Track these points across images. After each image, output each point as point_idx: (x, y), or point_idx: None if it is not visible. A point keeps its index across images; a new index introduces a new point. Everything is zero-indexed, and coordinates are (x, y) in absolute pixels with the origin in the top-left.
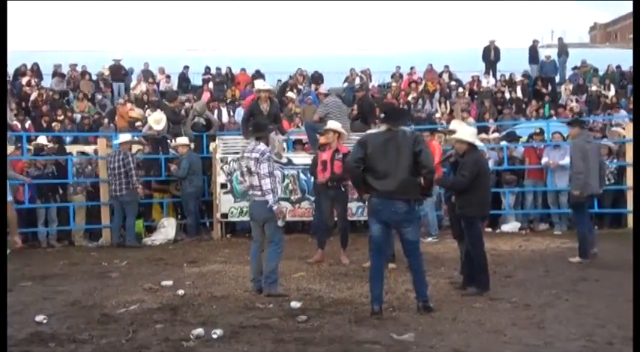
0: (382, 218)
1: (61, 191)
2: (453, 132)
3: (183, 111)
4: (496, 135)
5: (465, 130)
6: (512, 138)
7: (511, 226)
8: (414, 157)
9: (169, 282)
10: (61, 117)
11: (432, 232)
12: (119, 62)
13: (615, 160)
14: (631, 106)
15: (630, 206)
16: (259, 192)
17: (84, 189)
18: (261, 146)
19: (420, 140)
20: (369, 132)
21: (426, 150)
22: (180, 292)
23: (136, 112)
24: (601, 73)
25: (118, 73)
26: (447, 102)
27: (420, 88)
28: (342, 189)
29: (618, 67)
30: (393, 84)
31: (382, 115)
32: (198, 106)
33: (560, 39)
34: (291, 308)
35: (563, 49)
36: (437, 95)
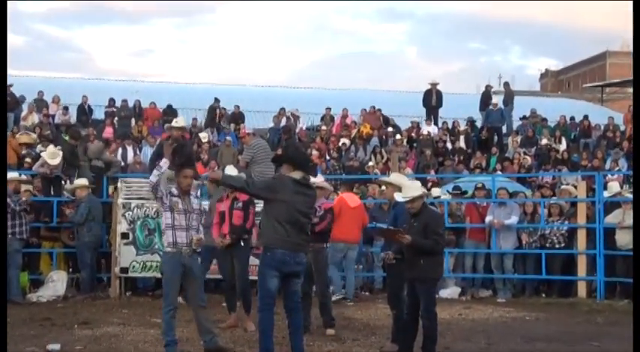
0: (285, 270)
1: None
2: (391, 184)
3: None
4: (438, 190)
5: (411, 185)
6: (459, 192)
7: (450, 292)
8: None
9: (56, 346)
10: None
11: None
12: (9, 89)
13: (566, 222)
14: (583, 162)
15: (582, 273)
16: None
17: None
18: None
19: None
20: (286, 174)
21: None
22: None
23: (27, 137)
24: (551, 123)
25: (8, 101)
26: (383, 151)
27: (354, 132)
28: (242, 243)
29: (572, 118)
30: (323, 127)
31: (293, 161)
32: (93, 148)
33: (506, 84)
34: None
35: (510, 97)
36: (373, 141)
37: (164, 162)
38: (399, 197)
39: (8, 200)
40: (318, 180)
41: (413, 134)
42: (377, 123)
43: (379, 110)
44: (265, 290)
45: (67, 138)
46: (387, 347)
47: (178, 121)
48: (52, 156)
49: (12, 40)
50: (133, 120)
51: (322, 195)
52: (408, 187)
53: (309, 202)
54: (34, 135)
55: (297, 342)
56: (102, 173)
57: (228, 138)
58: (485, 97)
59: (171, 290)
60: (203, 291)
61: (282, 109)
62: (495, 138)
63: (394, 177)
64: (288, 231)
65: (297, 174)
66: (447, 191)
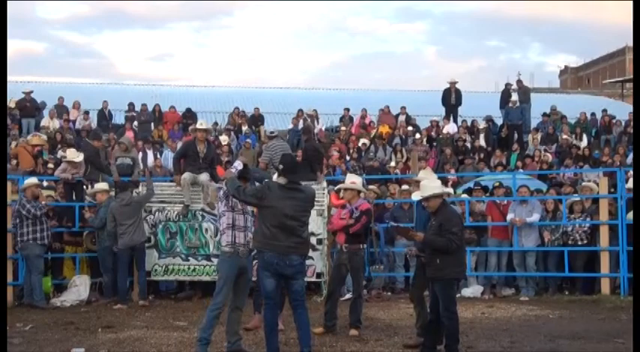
0: (277, 271)
1: None
2: (419, 181)
3: (103, 155)
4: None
5: (429, 184)
6: (481, 190)
7: (472, 290)
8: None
9: (81, 350)
10: None
11: None
12: (30, 95)
13: (589, 218)
14: (604, 159)
15: (605, 269)
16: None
17: None
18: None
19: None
20: (276, 180)
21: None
22: None
23: (38, 139)
24: (572, 120)
25: (28, 107)
26: (403, 150)
27: (373, 132)
28: None
29: (592, 114)
30: (342, 127)
31: (280, 167)
32: (125, 140)
33: (519, 81)
34: None
35: (525, 94)
36: (393, 141)
37: (238, 163)
38: (415, 196)
39: (28, 205)
40: (349, 180)
41: (433, 133)
42: (394, 123)
43: (403, 108)
44: (264, 291)
45: (90, 141)
46: (414, 340)
47: (203, 123)
48: (74, 154)
49: (32, 46)
50: (152, 125)
51: (358, 196)
52: (424, 186)
53: (299, 206)
54: (45, 137)
55: (305, 339)
56: (129, 173)
57: (248, 140)
58: (506, 95)
59: (225, 290)
60: (247, 294)
61: (301, 111)
62: (515, 135)
63: (422, 175)
64: (276, 235)
65: (281, 180)
66: (469, 188)
